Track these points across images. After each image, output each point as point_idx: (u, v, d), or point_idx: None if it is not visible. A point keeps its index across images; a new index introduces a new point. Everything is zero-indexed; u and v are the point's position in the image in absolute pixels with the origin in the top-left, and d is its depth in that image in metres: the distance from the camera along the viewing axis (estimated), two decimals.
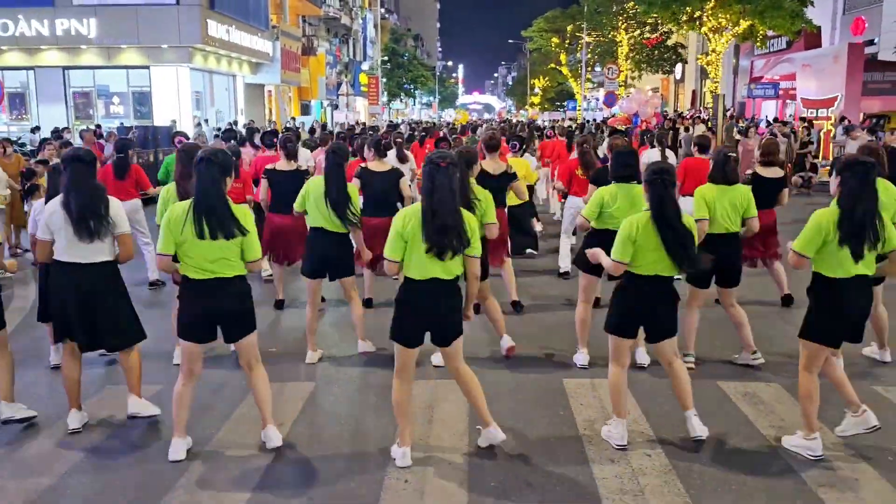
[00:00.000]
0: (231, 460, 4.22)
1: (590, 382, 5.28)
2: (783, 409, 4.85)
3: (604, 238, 4.84)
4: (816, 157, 18.47)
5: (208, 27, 24.04)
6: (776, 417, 4.74)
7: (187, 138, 9.14)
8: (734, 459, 4.19)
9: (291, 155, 7.12)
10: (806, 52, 24.67)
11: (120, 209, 4.53)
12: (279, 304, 7.36)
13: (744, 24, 19.32)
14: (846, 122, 16.76)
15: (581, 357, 5.63)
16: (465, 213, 3.99)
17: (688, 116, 28.86)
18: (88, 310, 4.43)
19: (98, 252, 4.42)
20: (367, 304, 6.93)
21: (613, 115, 31.23)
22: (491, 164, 6.43)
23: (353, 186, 5.84)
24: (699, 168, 7.41)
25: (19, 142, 21.47)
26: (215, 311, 4.10)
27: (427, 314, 4.03)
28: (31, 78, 25.33)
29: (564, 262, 8.45)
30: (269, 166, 7.14)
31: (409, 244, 3.90)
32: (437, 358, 5.51)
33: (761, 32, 19.35)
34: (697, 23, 20.50)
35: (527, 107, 77.37)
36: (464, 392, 4.28)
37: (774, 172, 7.00)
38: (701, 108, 29.27)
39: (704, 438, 4.27)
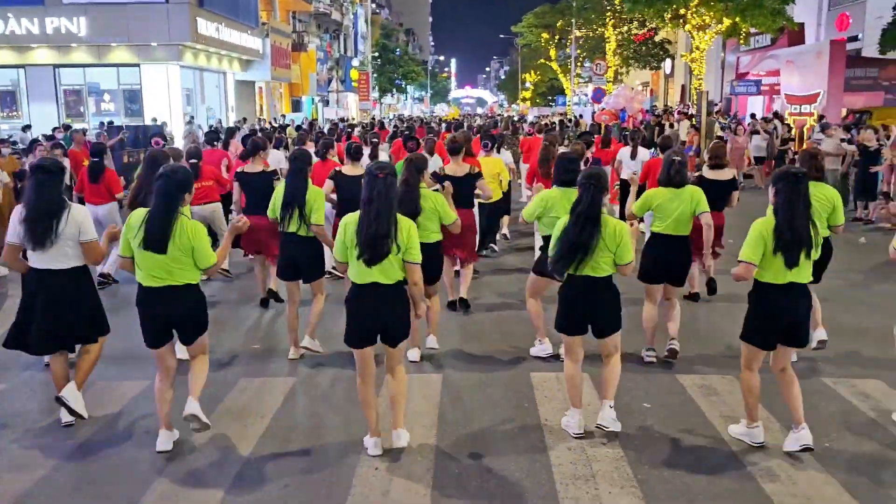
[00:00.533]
0: (213, 451, 4.50)
1: (555, 376, 5.55)
2: (735, 401, 5.12)
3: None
4: (797, 153, 18.74)
5: (198, 25, 24.20)
6: (727, 408, 5.04)
7: (165, 139, 9.36)
8: (684, 448, 4.50)
9: (251, 154, 7.26)
10: (790, 48, 24.98)
11: (86, 217, 4.67)
12: (264, 302, 7.51)
13: (727, 22, 19.58)
14: (823, 120, 17.04)
15: (539, 349, 5.95)
16: (404, 221, 4.14)
17: (675, 113, 29.23)
18: (51, 315, 4.61)
19: (61, 258, 4.58)
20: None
21: (603, 109, 31.53)
22: (454, 167, 6.71)
23: (319, 190, 5.82)
24: (653, 167, 7.76)
25: (10, 139, 21.71)
26: (167, 317, 4.31)
27: (369, 317, 4.20)
28: (21, 76, 25.46)
29: None
30: (238, 169, 7.36)
31: (349, 249, 4.12)
32: (412, 353, 5.75)
33: (744, 30, 19.62)
34: (681, 20, 20.76)
35: (518, 101, 77.65)
36: (389, 391, 4.49)
37: (722, 174, 7.12)
38: (689, 104, 29.56)
39: (615, 431, 4.50)
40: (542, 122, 19.19)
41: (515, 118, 22.11)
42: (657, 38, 29.36)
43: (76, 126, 24.32)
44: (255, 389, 5.47)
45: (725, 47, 30.33)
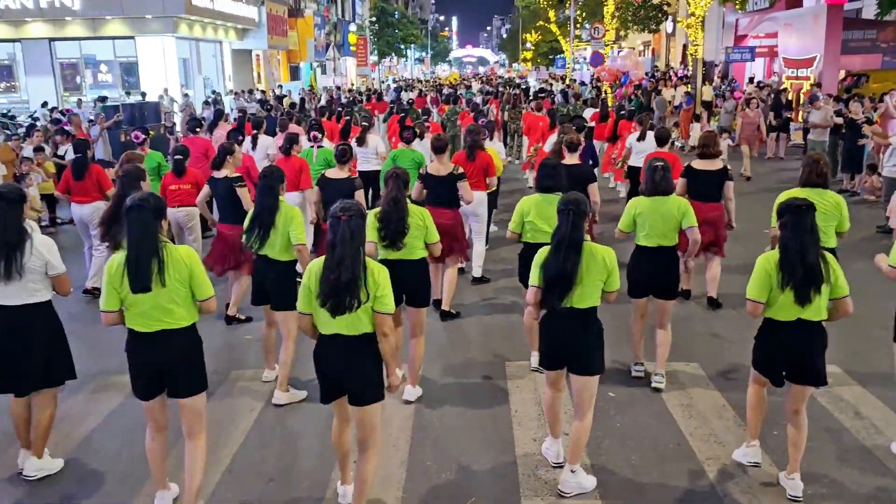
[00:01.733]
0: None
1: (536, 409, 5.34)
2: (721, 424, 5.07)
3: (535, 252, 4.63)
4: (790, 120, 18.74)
5: None
6: (710, 431, 4.99)
7: (146, 134, 9.03)
8: (663, 487, 4.38)
9: (219, 160, 6.93)
10: (787, 11, 24.81)
11: (52, 248, 4.32)
12: (228, 319, 7.03)
13: None
14: (814, 90, 17.02)
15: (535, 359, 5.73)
16: (374, 266, 3.74)
17: (673, 77, 29.11)
18: (8, 354, 4.28)
19: (22, 293, 4.24)
20: None
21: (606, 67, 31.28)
22: (437, 167, 6.69)
23: (292, 208, 5.37)
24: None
25: (9, 114, 21.85)
26: (159, 364, 3.87)
27: (332, 372, 3.83)
28: (17, 50, 25.45)
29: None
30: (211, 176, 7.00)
31: (313, 296, 3.73)
32: (409, 392, 5.44)
33: None
34: None
35: (520, 61, 76.86)
36: (358, 456, 4.00)
37: (713, 164, 6.96)
38: (689, 67, 29.39)
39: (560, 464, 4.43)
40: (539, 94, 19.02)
41: (515, 91, 21.91)
42: (655, 1, 29.05)
43: (73, 99, 24.59)
44: (223, 412, 5.32)
45: (725, 6, 30.06)
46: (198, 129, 10.38)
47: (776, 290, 3.99)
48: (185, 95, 23.85)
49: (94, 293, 7.79)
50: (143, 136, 8.92)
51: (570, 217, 4.05)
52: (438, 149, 6.74)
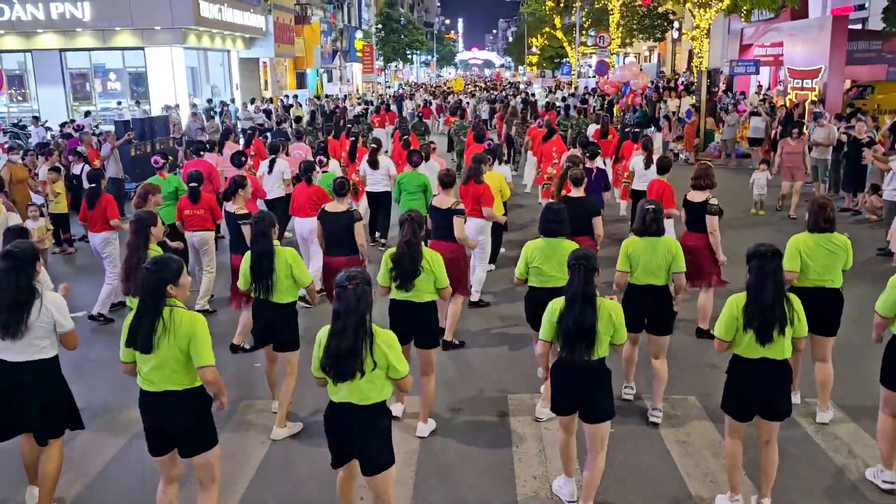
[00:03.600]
0: None
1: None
2: (717, 463, 5.13)
3: (542, 296, 5.03)
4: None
5: (200, 8, 24.32)
6: (707, 471, 5.11)
7: (165, 159, 9.02)
8: None
9: (231, 193, 7.19)
10: (792, 21, 24.85)
11: (62, 307, 4.37)
12: (233, 348, 7.16)
13: (727, 1, 19.59)
14: (819, 107, 17.08)
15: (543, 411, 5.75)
16: (382, 335, 3.77)
17: (678, 86, 29.18)
18: (12, 407, 4.35)
19: (29, 349, 4.28)
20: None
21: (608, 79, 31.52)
22: (441, 199, 6.93)
23: (290, 251, 5.40)
24: (661, 190, 8.00)
25: (20, 124, 22.11)
26: (165, 426, 3.93)
27: (341, 441, 3.86)
28: (28, 60, 25.75)
29: None
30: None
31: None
32: (421, 429, 5.51)
33: (745, 7, 19.62)
34: None
35: (525, 65, 77.00)
36: None
37: (703, 196, 7.18)
38: (694, 75, 29.45)
39: None
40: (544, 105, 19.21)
41: (521, 105, 22.04)
42: (660, 10, 29.17)
43: (82, 108, 24.81)
44: (233, 447, 5.41)
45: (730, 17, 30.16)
46: (202, 152, 10.52)
47: (740, 330, 4.24)
48: (193, 106, 24.08)
49: (98, 319, 8.00)
50: (163, 162, 9.03)
51: (582, 272, 4.18)
52: (446, 184, 6.95)
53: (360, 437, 3.80)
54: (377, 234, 11.00)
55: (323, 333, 3.82)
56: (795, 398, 5.68)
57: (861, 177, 12.78)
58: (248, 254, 5.51)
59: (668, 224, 7.81)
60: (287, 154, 11.19)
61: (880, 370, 4.87)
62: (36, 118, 20.65)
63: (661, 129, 22.57)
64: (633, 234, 5.71)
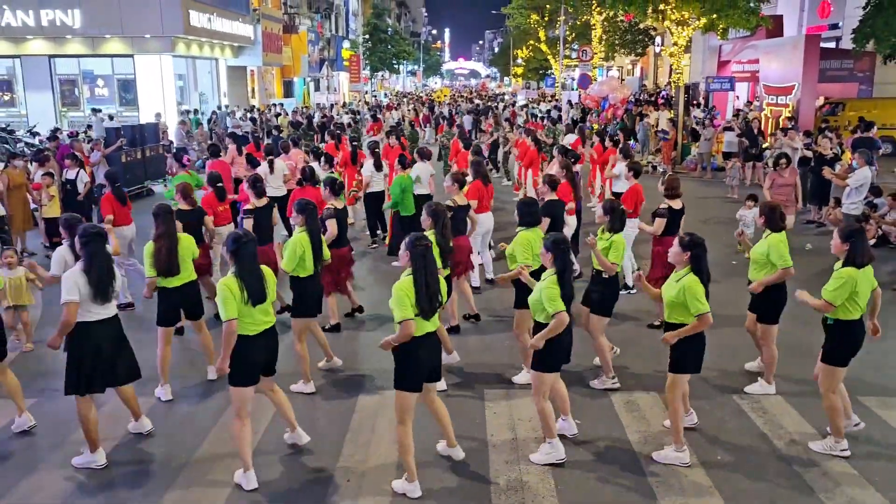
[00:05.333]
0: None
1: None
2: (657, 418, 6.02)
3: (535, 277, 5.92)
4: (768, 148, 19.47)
5: (190, 17, 24.70)
6: (646, 425, 5.94)
7: (184, 153, 10.09)
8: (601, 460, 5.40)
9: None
10: (768, 40, 25.62)
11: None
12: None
13: (703, 20, 20.27)
14: (793, 122, 17.73)
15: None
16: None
17: (658, 100, 29.93)
18: (115, 356, 5.41)
19: (111, 307, 5.36)
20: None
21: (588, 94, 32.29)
22: (458, 197, 8.12)
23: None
24: (638, 192, 8.88)
25: (8, 128, 22.35)
26: (267, 356, 5.17)
27: (430, 361, 5.09)
28: (17, 66, 25.99)
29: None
30: (248, 207, 8.21)
31: (412, 308, 4.82)
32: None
33: (721, 26, 20.31)
34: (660, 16, 21.40)
35: (511, 76, 77.91)
36: (438, 415, 5.35)
37: (679, 203, 8.06)
38: (670, 90, 30.23)
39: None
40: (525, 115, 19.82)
41: (507, 114, 22.70)
42: (641, 26, 29.92)
43: (70, 115, 25.14)
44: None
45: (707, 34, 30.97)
46: (220, 154, 11.53)
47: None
48: (183, 112, 24.42)
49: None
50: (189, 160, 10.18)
51: (567, 253, 5.24)
52: (462, 183, 8.23)
53: (437, 356, 5.10)
54: (378, 233, 11.93)
55: (405, 286, 4.77)
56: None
57: (826, 191, 13.38)
58: (307, 239, 6.40)
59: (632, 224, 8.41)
60: (287, 154, 12.26)
61: (828, 353, 5.42)
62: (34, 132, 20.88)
63: (639, 141, 23.35)
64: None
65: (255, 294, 4.91)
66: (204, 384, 6.80)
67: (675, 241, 5.34)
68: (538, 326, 5.21)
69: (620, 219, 6.45)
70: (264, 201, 8.05)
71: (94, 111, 23.61)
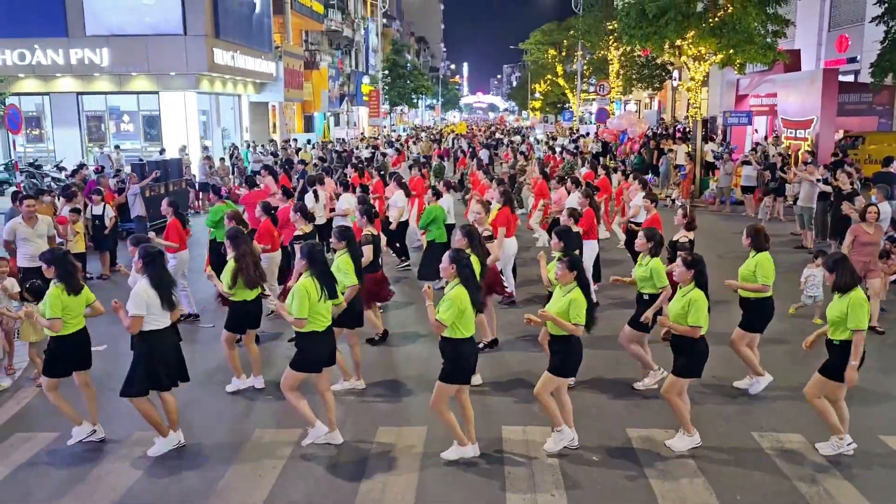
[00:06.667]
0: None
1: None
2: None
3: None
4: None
5: (214, 55, 25.25)
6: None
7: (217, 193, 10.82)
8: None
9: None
10: (785, 74, 25.68)
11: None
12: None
13: (720, 56, 20.36)
14: (809, 157, 17.68)
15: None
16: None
17: (676, 133, 29.99)
18: (177, 360, 6.20)
19: (170, 315, 6.09)
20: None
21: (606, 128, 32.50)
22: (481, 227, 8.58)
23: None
24: (658, 221, 9.22)
25: (36, 163, 22.85)
26: (332, 348, 6.18)
27: (475, 360, 6.03)
28: (46, 103, 26.63)
29: None
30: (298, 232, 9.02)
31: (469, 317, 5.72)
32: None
33: (738, 61, 20.39)
34: (677, 51, 21.53)
35: (529, 110, 78.45)
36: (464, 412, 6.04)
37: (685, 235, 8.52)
38: (688, 123, 30.30)
39: None
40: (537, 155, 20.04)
41: (523, 147, 22.94)
42: (658, 61, 30.15)
43: (95, 150, 25.65)
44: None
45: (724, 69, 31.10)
46: (257, 184, 12.17)
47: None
48: (205, 148, 24.83)
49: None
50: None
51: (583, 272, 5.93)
52: (488, 211, 8.82)
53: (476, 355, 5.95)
54: (403, 258, 12.74)
55: (457, 293, 5.53)
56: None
57: (846, 226, 13.29)
58: (350, 260, 7.03)
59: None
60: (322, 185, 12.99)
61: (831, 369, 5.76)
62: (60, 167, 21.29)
63: (660, 175, 23.39)
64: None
65: (330, 290, 5.97)
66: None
67: (679, 261, 6.07)
68: (555, 340, 5.86)
69: (659, 245, 7.12)
70: (310, 227, 8.92)
71: (100, 147, 24.12)
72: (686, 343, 5.91)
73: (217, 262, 9.41)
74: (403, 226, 12.77)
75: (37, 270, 7.37)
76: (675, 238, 8.43)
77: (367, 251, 8.08)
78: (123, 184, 16.32)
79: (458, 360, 5.64)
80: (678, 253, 7.96)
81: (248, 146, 27.88)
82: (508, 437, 6.35)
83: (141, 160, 18.69)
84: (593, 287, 9.33)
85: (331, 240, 7.26)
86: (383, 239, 8.93)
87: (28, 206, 9.37)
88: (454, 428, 5.81)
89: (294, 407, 6.07)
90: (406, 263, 12.68)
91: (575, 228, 8.34)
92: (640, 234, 7.12)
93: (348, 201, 11.98)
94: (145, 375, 5.91)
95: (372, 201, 12.57)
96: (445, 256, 5.72)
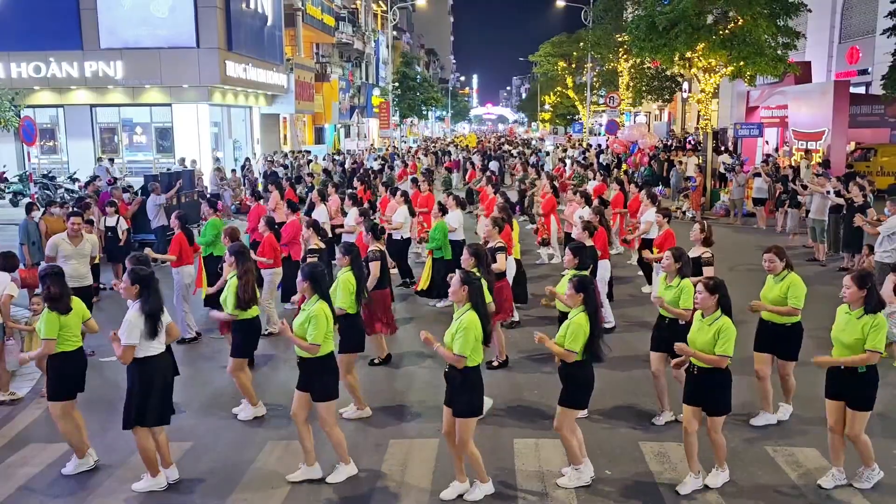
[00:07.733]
0: None
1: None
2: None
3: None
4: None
5: (226, 68, 25.47)
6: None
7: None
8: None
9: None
10: (796, 86, 25.63)
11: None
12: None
13: (731, 68, 20.38)
14: (821, 170, 17.59)
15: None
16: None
17: (686, 145, 29.98)
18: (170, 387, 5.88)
19: (162, 339, 5.71)
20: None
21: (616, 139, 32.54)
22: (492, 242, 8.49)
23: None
24: (672, 236, 9.29)
25: (50, 175, 23.06)
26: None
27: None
28: (60, 115, 26.91)
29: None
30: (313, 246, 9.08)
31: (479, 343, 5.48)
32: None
33: (748, 73, 20.40)
34: (687, 63, 21.55)
35: (538, 122, 78.55)
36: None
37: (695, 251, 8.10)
38: (699, 135, 30.28)
39: None
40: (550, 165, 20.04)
41: (534, 159, 22.99)
42: (668, 73, 30.17)
43: (106, 158, 25.89)
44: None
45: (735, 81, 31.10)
46: (261, 200, 12.29)
47: None
48: (216, 160, 24.98)
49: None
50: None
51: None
52: (502, 228, 8.61)
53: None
54: (408, 280, 12.40)
55: (471, 320, 5.26)
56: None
57: (859, 238, 13.24)
58: (353, 278, 6.78)
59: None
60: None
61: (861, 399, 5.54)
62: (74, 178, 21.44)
63: (671, 187, 23.37)
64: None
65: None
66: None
67: (700, 286, 5.59)
68: (563, 366, 5.55)
69: (688, 264, 6.70)
70: (322, 243, 8.97)
71: (99, 160, 24.31)
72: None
73: (210, 279, 9.22)
74: (405, 244, 12.51)
75: (74, 290, 6.59)
76: (695, 254, 7.91)
77: (374, 268, 7.88)
78: (134, 194, 16.50)
79: (475, 386, 5.38)
80: (703, 269, 7.65)
81: (266, 158, 28.06)
82: (521, 467, 6.12)
83: (155, 175, 18.78)
84: (606, 306, 9.16)
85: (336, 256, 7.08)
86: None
87: (74, 224, 8.96)
88: (478, 463, 5.50)
89: (328, 439, 5.88)
90: (407, 281, 12.34)
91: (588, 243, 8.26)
92: (667, 254, 6.68)
93: (356, 217, 11.86)
94: (144, 408, 5.57)
95: (380, 220, 12.50)
96: (456, 279, 5.44)
